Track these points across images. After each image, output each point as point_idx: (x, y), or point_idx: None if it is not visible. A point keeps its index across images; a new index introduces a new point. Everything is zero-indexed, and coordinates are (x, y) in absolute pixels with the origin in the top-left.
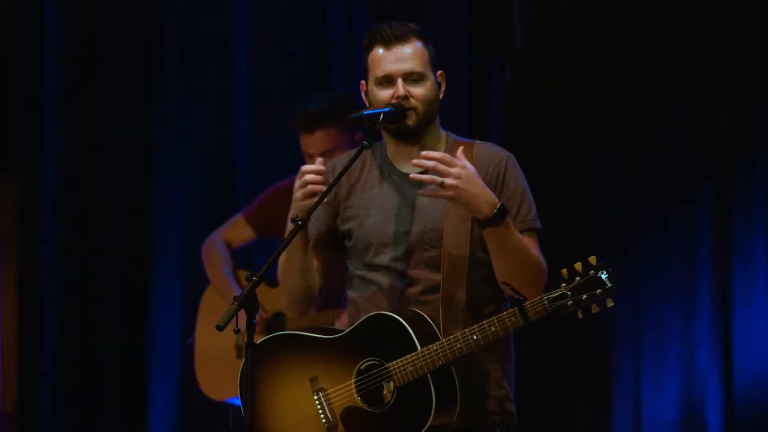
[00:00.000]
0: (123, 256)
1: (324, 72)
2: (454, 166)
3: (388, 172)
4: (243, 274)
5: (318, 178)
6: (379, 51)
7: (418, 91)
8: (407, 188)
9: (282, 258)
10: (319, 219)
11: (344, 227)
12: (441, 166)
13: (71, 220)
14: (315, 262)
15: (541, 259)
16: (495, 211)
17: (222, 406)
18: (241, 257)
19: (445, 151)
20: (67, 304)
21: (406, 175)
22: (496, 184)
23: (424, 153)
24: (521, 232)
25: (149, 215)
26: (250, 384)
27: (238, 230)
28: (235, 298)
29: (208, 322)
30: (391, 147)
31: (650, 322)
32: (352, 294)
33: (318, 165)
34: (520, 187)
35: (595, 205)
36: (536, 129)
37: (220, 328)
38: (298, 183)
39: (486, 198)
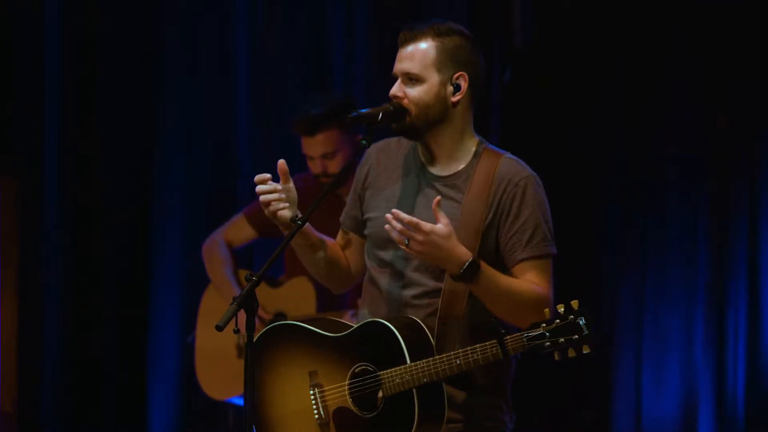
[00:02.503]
0: (123, 256)
1: (324, 73)
2: (419, 233)
3: (416, 166)
4: (244, 273)
5: (266, 188)
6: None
7: (411, 92)
8: (427, 187)
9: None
10: (352, 206)
11: (366, 216)
12: (406, 232)
13: (71, 220)
14: (338, 250)
15: (540, 290)
16: (461, 271)
17: (222, 406)
18: (242, 257)
19: (471, 162)
20: (67, 304)
21: (431, 174)
22: (511, 206)
23: (395, 211)
24: (529, 259)
25: (149, 215)
26: (250, 383)
27: (239, 230)
28: (234, 298)
29: (209, 322)
30: (418, 142)
31: (651, 321)
32: (363, 285)
33: (261, 176)
34: (536, 213)
35: (596, 204)
36: (536, 129)
37: (219, 329)
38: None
39: (453, 258)
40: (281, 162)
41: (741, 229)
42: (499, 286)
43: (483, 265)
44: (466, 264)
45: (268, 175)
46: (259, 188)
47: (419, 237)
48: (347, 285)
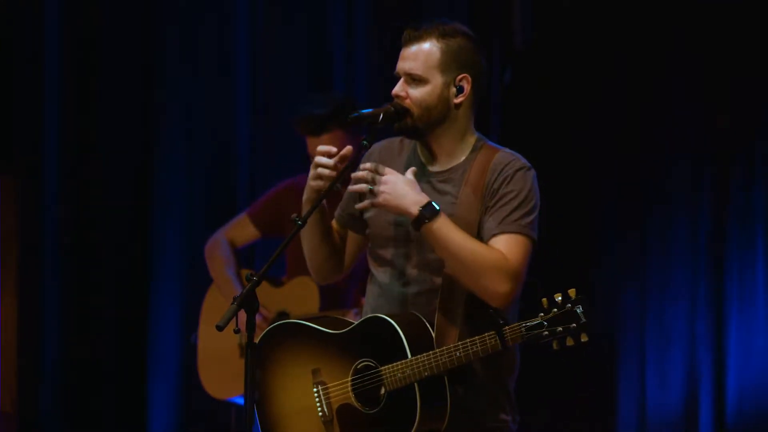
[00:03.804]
0: (123, 256)
1: (324, 73)
2: (383, 174)
3: (416, 165)
4: (246, 273)
5: (325, 161)
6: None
7: (413, 92)
8: (426, 186)
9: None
10: (348, 202)
11: (367, 215)
12: (369, 176)
13: (71, 221)
14: (338, 240)
15: (505, 258)
16: (420, 209)
17: (223, 406)
18: (245, 256)
19: (468, 156)
20: (67, 305)
21: (429, 171)
22: (500, 186)
23: (362, 165)
24: (502, 233)
25: (149, 215)
26: (251, 383)
27: (242, 229)
28: (234, 298)
29: (212, 321)
30: (419, 141)
31: (654, 318)
32: (367, 284)
33: (328, 147)
34: (522, 195)
35: (595, 204)
36: (536, 129)
37: (219, 328)
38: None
39: (412, 199)
40: (348, 148)
41: (740, 227)
42: (459, 239)
43: (443, 214)
44: (425, 202)
45: (334, 149)
46: (319, 159)
47: (382, 177)
48: (336, 276)
